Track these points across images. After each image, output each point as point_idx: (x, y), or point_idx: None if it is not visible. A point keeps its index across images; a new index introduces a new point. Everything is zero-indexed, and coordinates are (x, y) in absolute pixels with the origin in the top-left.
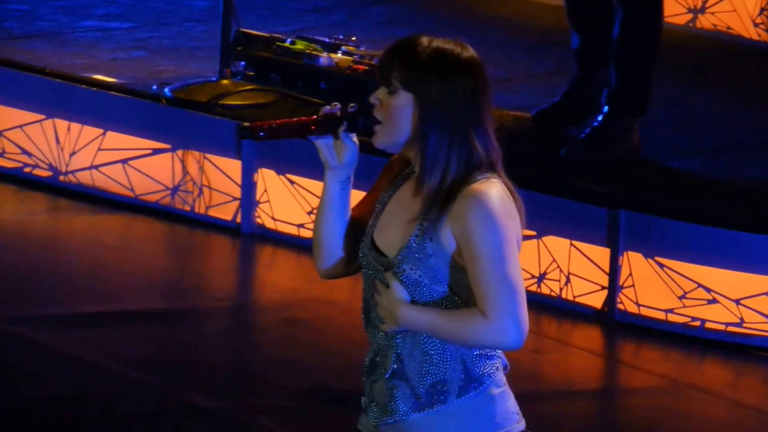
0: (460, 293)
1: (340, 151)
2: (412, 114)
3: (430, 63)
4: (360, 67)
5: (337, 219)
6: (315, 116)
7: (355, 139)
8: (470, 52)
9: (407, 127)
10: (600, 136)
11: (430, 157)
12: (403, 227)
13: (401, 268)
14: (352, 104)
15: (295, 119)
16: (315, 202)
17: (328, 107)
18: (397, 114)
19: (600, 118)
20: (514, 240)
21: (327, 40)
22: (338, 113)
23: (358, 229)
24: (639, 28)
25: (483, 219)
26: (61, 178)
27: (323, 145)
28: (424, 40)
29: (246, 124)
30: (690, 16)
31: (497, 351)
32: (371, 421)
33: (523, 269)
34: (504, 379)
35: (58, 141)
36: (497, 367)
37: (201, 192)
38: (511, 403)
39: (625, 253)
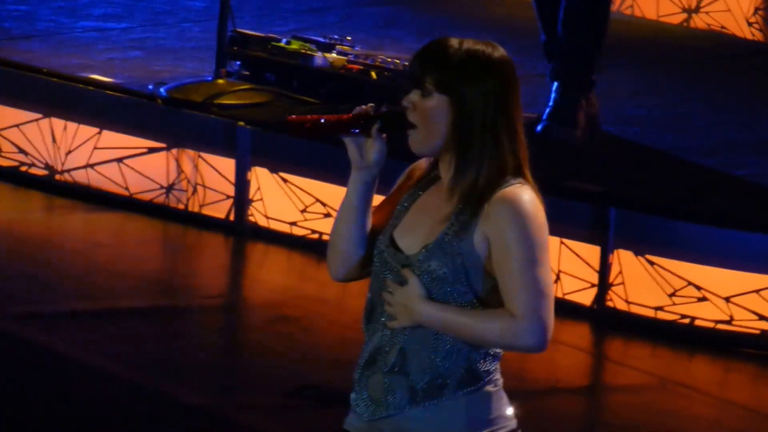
0: (479, 296)
1: (369, 150)
2: (447, 116)
3: (463, 65)
4: (354, 66)
5: (358, 220)
6: (350, 114)
7: (384, 139)
8: (500, 52)
9: (443, 129)
10: (555, 111)
11: (464, 158)
12: (429, 227)
13: (427, 264)
14: (385, 105)
15: (329, 116)
16: (308, 200)
17: (362, 107)
18: (433, 117)
19: (552, 95)
20: (547, 245)
21: (322, 40)
22: (372, 113)
23: (374, 235)
24: (582, 5)
25: (519, 222)
26: (57, 176)
27: (353, 143)
28: (455, 42)
29: (290, 118)
30: (684, 15)
31: (502, 351)
32: (364, 416)
33: None
34: (501, 380)
35: (54, 140)
36: (497, 367)
37: (195, 190)
38: (505, 402)
39: (615, 250)
